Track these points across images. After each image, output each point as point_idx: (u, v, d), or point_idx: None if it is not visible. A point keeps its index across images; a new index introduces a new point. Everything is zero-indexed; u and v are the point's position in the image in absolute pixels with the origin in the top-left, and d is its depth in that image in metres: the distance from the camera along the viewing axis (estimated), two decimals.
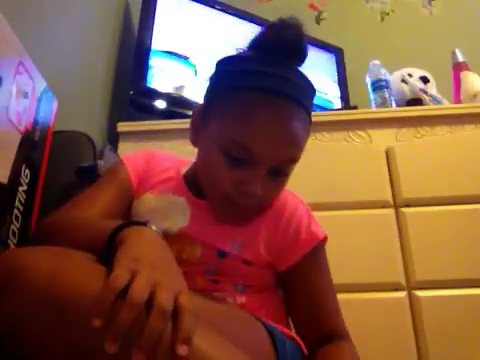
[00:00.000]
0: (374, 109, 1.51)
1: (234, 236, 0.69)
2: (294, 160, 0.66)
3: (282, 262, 0.71)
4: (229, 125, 0.64)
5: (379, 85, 1.53)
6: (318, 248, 0.71)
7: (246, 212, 0.68)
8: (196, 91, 1.53)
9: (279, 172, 0.66)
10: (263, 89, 0.63)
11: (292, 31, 0.68)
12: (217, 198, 0.67)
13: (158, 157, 0.81)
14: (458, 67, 1.60)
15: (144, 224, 0.56)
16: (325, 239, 0.73)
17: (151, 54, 1.49)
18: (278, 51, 0.66)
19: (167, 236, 0.66)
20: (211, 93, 0.71)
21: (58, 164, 0.80)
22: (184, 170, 0.78)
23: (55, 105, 0.83)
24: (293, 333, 0.72)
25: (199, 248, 0.68)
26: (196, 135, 0.72)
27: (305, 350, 0.69)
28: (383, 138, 1.36)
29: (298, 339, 0.70)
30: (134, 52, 1.50)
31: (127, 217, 0.74)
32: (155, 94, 1.46)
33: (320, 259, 0.73)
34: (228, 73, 0.69)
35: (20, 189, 0.68)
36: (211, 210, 0.70)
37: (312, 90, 0.69)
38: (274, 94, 0.63)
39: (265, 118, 0.62)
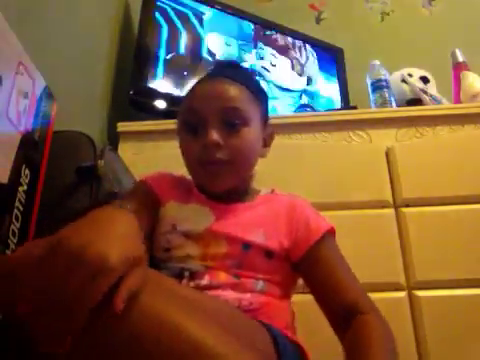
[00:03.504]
0: (374, 109, 1.51)
1: (257, 227, 0.75)
2: (231, 109, 0.77)
3: (298, 249, 0.76)
4: (182, 109, 0.82)
5: (379, 85, 1.53)
6: (328, 237, 0.77)
7: (223, 170, 0.76)
8: None
9: (230, 123, 0.76)
10: (200, 80, 0.84)
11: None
12: (196, 171, 0.79)
13: (170, 174, 0.88)
14: (458, 67, 1.60)
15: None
16: (332, 230, 0.79)
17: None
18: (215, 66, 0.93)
19: (192, 235, 0.74)
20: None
21: (58, 164, 0.80)
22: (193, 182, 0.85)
23: (55, 105, 0.83)
24: (298, 339, 0.72)
25: (224, 243, 0.73)
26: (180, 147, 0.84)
27: (309, 357, 0.70)
28: (383, 138, 1.36)
29: (302, 345, 0.71)
30: (134, 52, 1.50)
31: (155, 225, 0.78)
32: (155, 94, 1.46)
33: (331, 245, 0.78)
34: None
35: (20, 189, 0.68)
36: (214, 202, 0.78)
37: (249, 74, 0.93)
38: (207, 77, 0.83)
39: (200, 85, 0.81)
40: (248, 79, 0.84)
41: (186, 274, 0.70)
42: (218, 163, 0.75)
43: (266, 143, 0.85)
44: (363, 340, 0.64)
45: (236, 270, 0.71)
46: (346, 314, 0.69)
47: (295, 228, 0.77)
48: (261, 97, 0.84)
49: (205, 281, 0.69)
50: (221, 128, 0.75)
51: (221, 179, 0.77)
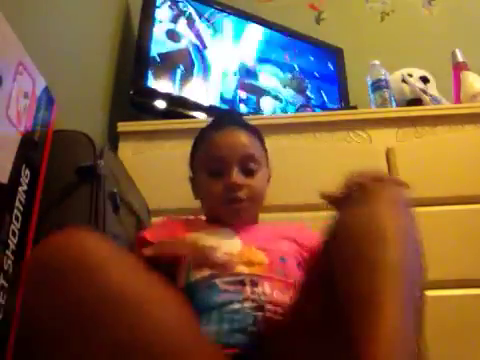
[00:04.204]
0: (374, 109, 1.51)
1: (281, 240, 0.89)
2: (250, 156, 0.93)
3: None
4: (203, 156, 0.96)
5: (379, 85, 1.53)
6: None
7: (243, 207, 0.90)
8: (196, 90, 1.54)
9: (247, 170, 0.92)
10: (213, 128, 0.98)
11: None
12: (219, 208, 0.90)
13: (175, 217, 0.99)
14: (458, 67, 1.59)
15: None
16: None
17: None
18: (218, 117, 1.07)
19: (233, 252, 0.82)
20: (191, 157, 1.02)
21: (58, 164, 0.80)
22: (202, 217, 0.98)
23: (55, 105, 0.83)
24: None
25: (263, 255, 0.82)
26: (194, 190, 1.00)
27: None
28: (383, 138, 1.36)
29: None
30: (134, 52, 1.50)
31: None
32: (155, 94, 1.46)
33: None
34: (195, 139, 1.03)
35: (20, 189, 0.68)
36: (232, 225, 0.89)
37: (246, 121, 1.03)
38: (221, 126, 0.97)
39: (218, 134, 0.95)
40: (254, 128, 1.01)
41: (247, 282, 0.77)
42: (239, 201, 0.89)
43: (268, 179, 1.00)
44: None
45: (283, 278, 0.80)
46: None
47: (306, 242, 0.90)
48: (264, 143, 1.01)
49: (267, 288, 0.76)
50: (241, 172, 0.91)
51: (241, 215, 0.90)
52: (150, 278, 0.55)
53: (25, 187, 0.70)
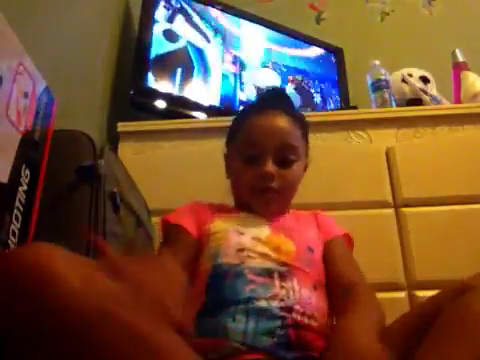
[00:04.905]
0: (374, 109, 1.51)
1: (306, 233, 0.88)
2: (288, 146, 0.88)
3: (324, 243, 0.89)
4: (240, 137, 0.92)
5: (379, 85, 1.53)
6: (346, 239, 0.93)
7: (274, 197, 0.86)
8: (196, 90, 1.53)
9: (284, 160, 0.87)
10: (255, 110, 0.93)
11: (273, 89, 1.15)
12: (249, 195, 0.87)
13: (202, 201, 0.94)
14: (458, 67, 1.60)
15: None
16: (348, 235, 0.94)
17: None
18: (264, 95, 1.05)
19: (262, 237, 0.81)
20: (228, 134, 0.97)
21: (58, 164, 0.80)
22: (231, 203, 0.95)
23: (55, 105, 0.83)
24: None
25: (291, 244, 0.81)
26: (227, 169, 0.97)
27: None
28: (383, 138, 1.36)
29: None
30: (134, 52, 1.50)
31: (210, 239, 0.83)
32: (155, 94, 1.46)
33: (346, 247, 0.91)
34: (234, 118, 0.98)
35: (20, 189, 0.68)
36: (259, 212, 0.87)
37: (293, 105, 0.98)
38: (262, 108, 0.92)
39: (259, 118, 0.90)
40: (299, 115, 0.95)
41: (276, 274, 0.74)
42: (271, 191, 0.86)
43: (305, 170, 0.95)
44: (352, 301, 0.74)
45: (308, 269, 0.78)
46: (346, 289, 0.78)
47: (324, 231, 0.90)
48: (307, 133, 0.95)
49: (296, 285, 0.74)
50: (277, 161, 0.86)
51: (271, 205, 0.87)
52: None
53: (25, 187, 0.70)
